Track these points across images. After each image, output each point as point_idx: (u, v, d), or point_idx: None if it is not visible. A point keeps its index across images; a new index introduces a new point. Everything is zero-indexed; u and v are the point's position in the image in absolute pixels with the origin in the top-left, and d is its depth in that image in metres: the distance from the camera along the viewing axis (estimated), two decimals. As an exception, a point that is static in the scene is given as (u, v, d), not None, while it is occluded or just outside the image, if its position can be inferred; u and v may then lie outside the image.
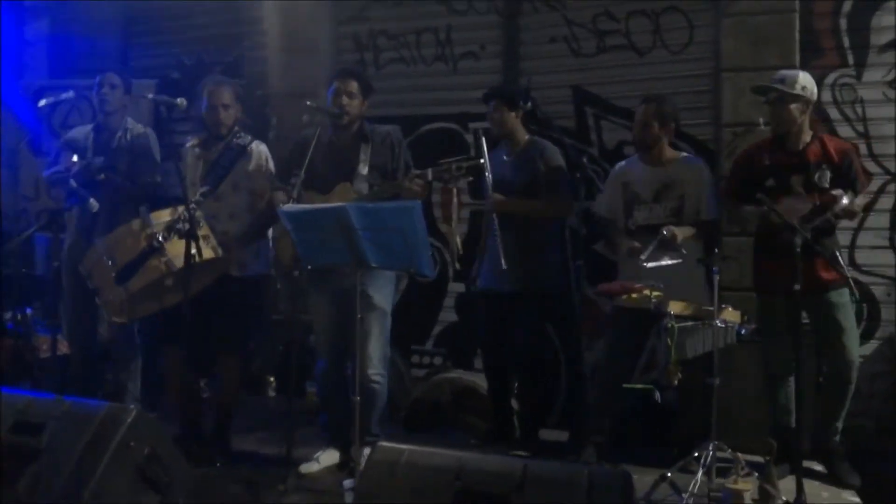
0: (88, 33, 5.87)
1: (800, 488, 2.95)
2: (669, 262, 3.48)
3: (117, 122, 4.11)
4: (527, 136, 4.03)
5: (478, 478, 2.00)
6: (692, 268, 3.61)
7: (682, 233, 3.60)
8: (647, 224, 3.75)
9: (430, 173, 3.35)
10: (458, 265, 3.75)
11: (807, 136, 3.61)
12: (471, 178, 3.48)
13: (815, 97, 3.62)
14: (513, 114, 3.95)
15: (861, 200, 3.53)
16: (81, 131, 4.18)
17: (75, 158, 3.89)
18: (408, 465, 2.06)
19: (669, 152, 3.86)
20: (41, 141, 5.71)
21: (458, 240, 3.80)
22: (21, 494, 2.46)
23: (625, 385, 4.19)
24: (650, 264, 3.46)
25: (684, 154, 3.96)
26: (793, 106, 3.54)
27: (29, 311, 4.93)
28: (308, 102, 3.66)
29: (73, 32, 5.93)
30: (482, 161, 3.39)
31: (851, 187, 3.50)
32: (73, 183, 3.64)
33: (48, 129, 5.62)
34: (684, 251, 3.56)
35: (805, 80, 3.57)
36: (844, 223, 3.79)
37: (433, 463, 2.09)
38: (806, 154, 3.57)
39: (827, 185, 3.49)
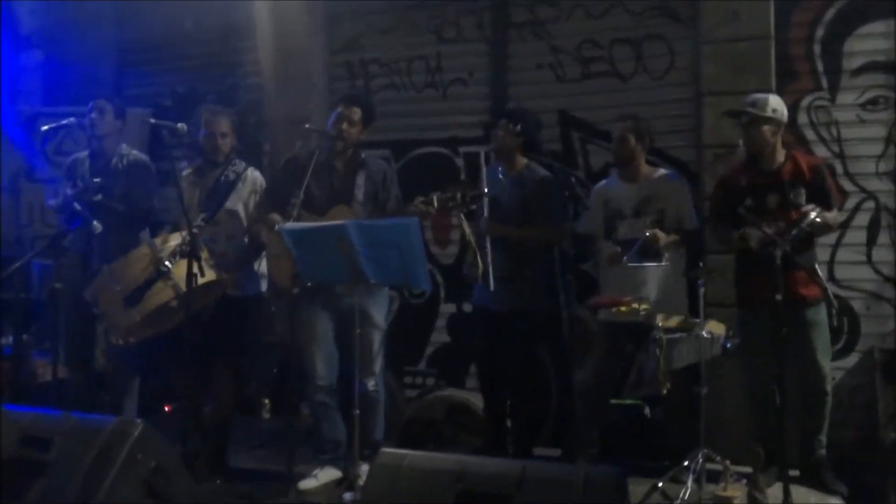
0: (83, 61, 5.94)
1: (787, 492, 3.04)
2: (651, 264, 3.60)
3: (111, 146, 4.17)
4: (524, 160, 4.09)
5: (479, 479, 2.08)
6: (675, 281, 3.75)
7: (664, 237, 3.73)
8: (628, 238, 3.86)
9: (435, 200, 3.46)
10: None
11: (780, 156, 3.74)
12: (474, 207, 3.57)
13: (785, 118, 3.75)
14: (519, 137, 4.01)
15: (832, 215, 3.63)
16: (79, 157, 4.25)
17: (69, 190, 3.94)
18: (410, 468, 2.14)
19: (646, 168, 4.01)
20: (36, 167, 5.77)
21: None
22: (30, 507, 2.51)
23: (615, 401, 4.31)
24: (632, 264, 3.58)
25: (662, 170, 4.10)
26: (765, 128, 3.67)
27: (25, 336, 4.96)
28: (307, 126, 3.78)
29: (68, 60, 6.00)
30: (486, 190, 3.48)
31: (825, 201, 3.62)
32: (76, 206, 3.71)
33: (42, 155, 5.68)
34: (667, 256, 3.69)
35: (775, 102, 3.72)
36: (823, 239, 3.93)
37: (435, 466, 2.17)
38: (780, 173, 3.70)
39: (802, 202, 3.60)
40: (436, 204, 3.45)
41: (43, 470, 2.58)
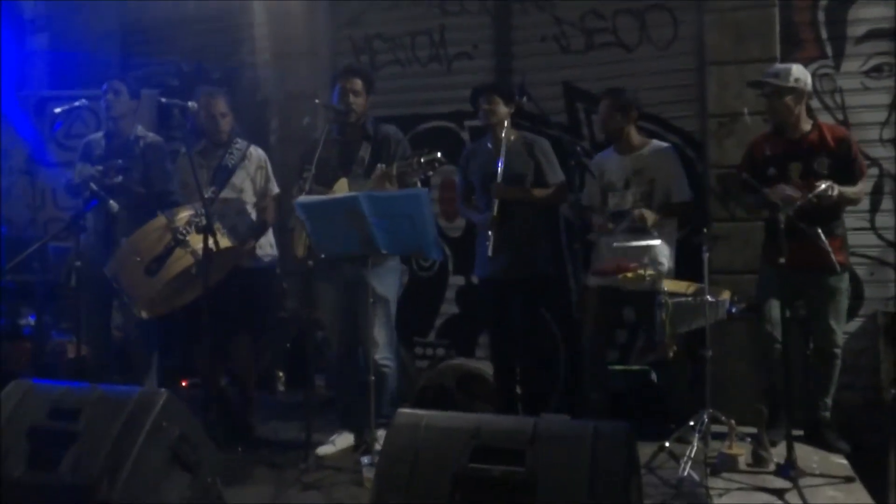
0: (88, 44, 5.97)
1: (790, 449, 3.12)
2: (640, 243, 3.66)
3: (127, 127, 4.21)
4: (515, 131, 4.10)
5: (493, 435, 2.17)
6: (661, 250, 3.83)
7: (651, 217, 3.78)
8: (618, 210, 3.94)
9: (395, 168, 3.52)
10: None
11: (806, 125, 3.75)
12: (431, 173, 3.58)
13: (808, 87, 3.75)
14: (506, 108, 4.01)
15: (853, 189, 3.63)
16: (94, 138, 4.29)
17: (90, 170, 4.00)
18: (428, 427, 2.23)
19: (637, 139, 4.05)
20: (45, 151, 5.83)
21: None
22: (63, 475, 2.60)
23: (621, 367, 4.40)
24: (616, 245, 3.68)
25: (654, 141, 4.13)
26: (788, 98, 3.68)
27: (45, 316, 5.06)
28: (317, 101, 3.84)
29: (73, 44, 6.03)
30: (439, 155, 3.44)
31: (850, 172, 3.64)
32: (93, 185, 3.77)
33: (53, 138, 5.73)
34: (656, 234, 3.75)
35: (798, 72, 3.72)
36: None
37: (451, 424, 2.26)
38: (804, 142, 3.71)
39: (826, 172, 3.62)
40: (394, 171, 3.50)
41: (73, 440, 2.67)
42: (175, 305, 3.78)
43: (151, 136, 4.29)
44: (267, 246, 4.21)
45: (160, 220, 3.57)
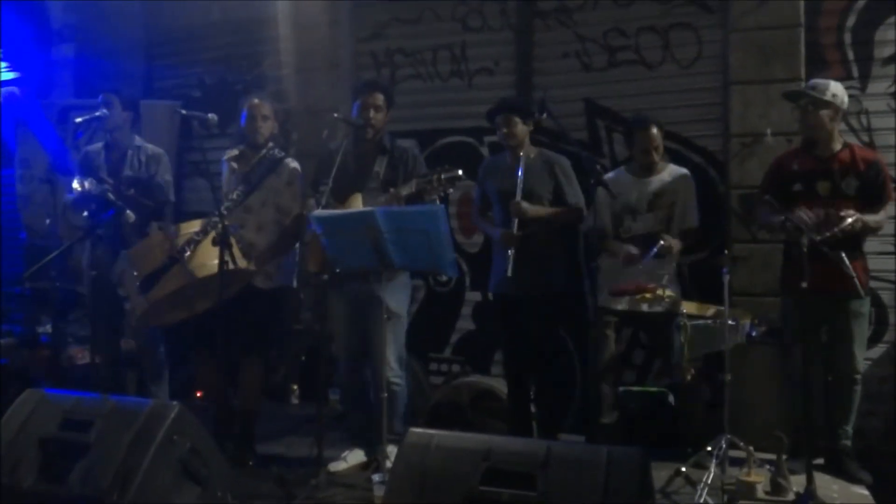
0: (113, 54, 6.06)
1: (810, 479, 3.05)
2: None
3: (123, 138, 4.21)
4: (535, 149, 4.06)
5: (505, 458, 2.13)
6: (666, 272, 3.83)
7: (677, 245, 3.78)
8: (640, 234, 3.90)
9: (414, 184, 3.49)
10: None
11: (837, 144, 3.70)
12: (451, 190, 3.55)
13: (845, 105, 3.70)
14: (524, 127, 3.96)
15: (875, 217, 3.59)
16: (92, 150, 4.30)
17: (75, 184, 3.98)
18: (438, 448, 2.20)
19: (659, 163, 4.02)
20: (66, 160, 5.88)
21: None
22: (73, 486, 2.60)
23: (638, 388, 4.34)
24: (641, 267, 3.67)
25: (671, 165, 4.09)
26: (823, 112, 3.63)
27: (62, 323, 5.08)
28: (335, 115, 3.82)
29: (98, 53, 6.11)
30: (460, 172, 3.43)
31: (877, 197, 3.59)
32: (110, 195, 3.78)
33: (75, 147, 5.79)
34: (673, 259, 3.76)
35: (836, 88, 3.66)
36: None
37: (462, 445, 2.23)
38: (834, 161, 3.65)
39: (853, 194, 3.57)
40: (414, 188, 3.47)
41: (84, 451, 2.67)
42: (176, 319, 3.73)
43: (151, 148, 4.29)
44: (281, 268, 4.07)
45: (158, 236, 3.55)
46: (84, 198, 3.99)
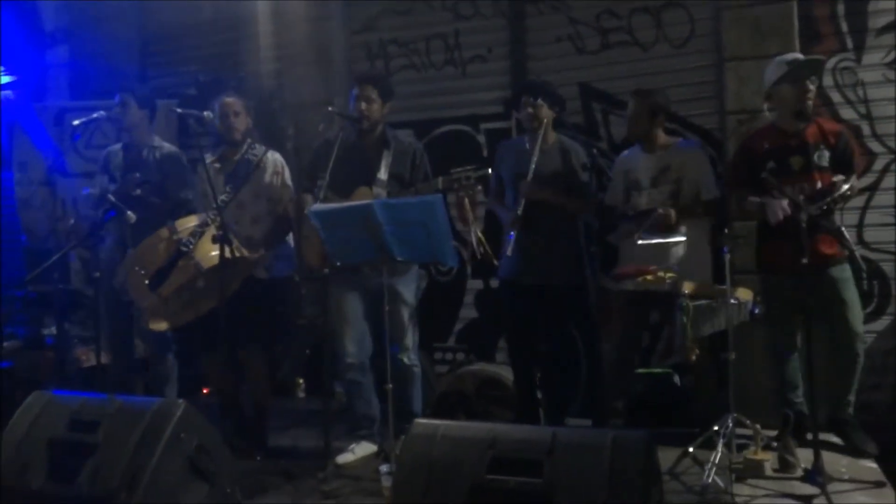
0: (107, 56, 6.04)
1: (817, 455, 3.05)
2: (664, 240, 3.63)
3: (141, 137, 4.24)
4: (554, 134, 4.03)
5: (510, 446, 2.14)
6: (699, 249, 3.76)
7: (675, 214, 3.74)
8: (646, 209, 3.88)
9: (440, 182, 3.49)
10: (479, 255, 3.85)
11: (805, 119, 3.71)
12: (479, 188, 3.55)
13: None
14: (550, 111, 3.93)
15: (857, 184, 3.61)
16: (112, 150, 4.33)
17: (108, 183, 4.03)
18: (444, 438, 2.21)
19: (664, 138, 4.00)
20: (63, 162, 5.89)
21: (479, 234, 3.87)
22: (81, 487, 2.61)
23: (643, 370, 4.34)
24: (641, 242, 3.63)
25: (680, 139, 4.09)
26: (814, 85, 3.66)
27: (67, 325, 5.10)
28: (330, 108, 3.82)
29: (93, 55, 6.10)
30: (489, 171, 3.47)
31: (848, 166, 3.61)
32: (110, 197, 3.79)
33: (73, 149, 5.79)
34: (682, 230, 3.71)
35: None
36: (852, 202, 3.91)
37: (468, 435, 2.23)
38: (804, 135, 3.67)
39: (826, 165, 3.60)
40: (440, 185, 3.48)
41: (92, 451, 2.68)
42: (184, 319, 3.74)
43: (168, 147, 4.32)
44: (279, 258, 4.13)
45: (163, 232, 3.56)
46: (97, 199, 4.04)
